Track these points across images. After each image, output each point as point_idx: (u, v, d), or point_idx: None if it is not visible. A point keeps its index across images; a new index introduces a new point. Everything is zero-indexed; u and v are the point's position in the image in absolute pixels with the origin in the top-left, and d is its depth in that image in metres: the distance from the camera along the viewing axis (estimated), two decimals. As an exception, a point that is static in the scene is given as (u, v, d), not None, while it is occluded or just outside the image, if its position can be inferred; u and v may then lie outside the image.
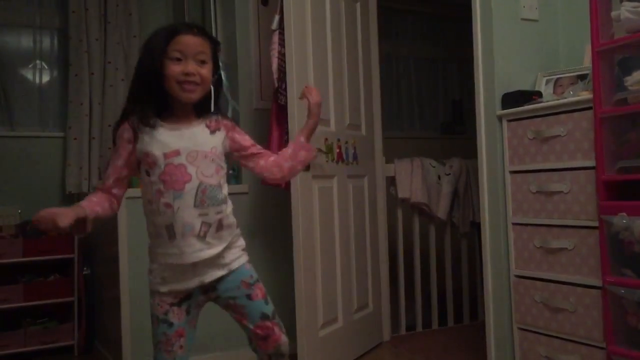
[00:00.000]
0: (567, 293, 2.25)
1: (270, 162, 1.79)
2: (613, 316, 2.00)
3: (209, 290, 1.68)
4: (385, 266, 3.40)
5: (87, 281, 3.45)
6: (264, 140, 2.98)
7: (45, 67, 3.84)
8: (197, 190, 1.59)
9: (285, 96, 2.67)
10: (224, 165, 1.70)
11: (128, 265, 2.83)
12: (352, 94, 3.10)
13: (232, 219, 1.69)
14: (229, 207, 1.69)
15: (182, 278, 1.64)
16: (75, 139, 3.67)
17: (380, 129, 3.44)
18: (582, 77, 2.45)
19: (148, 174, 1.62)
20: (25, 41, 3.78)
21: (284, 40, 2.68)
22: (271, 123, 2.92)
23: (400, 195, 3.48)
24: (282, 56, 2.77)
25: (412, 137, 4.90)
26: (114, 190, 1.67)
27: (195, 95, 1.61)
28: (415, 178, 3.49)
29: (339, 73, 2.97)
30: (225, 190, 1.68)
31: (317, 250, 2.71)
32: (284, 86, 2.73)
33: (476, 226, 3.56)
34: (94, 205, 1.61)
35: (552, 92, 2.53)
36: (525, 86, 2.57)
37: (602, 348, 2.10)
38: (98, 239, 3.32)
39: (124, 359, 2.81)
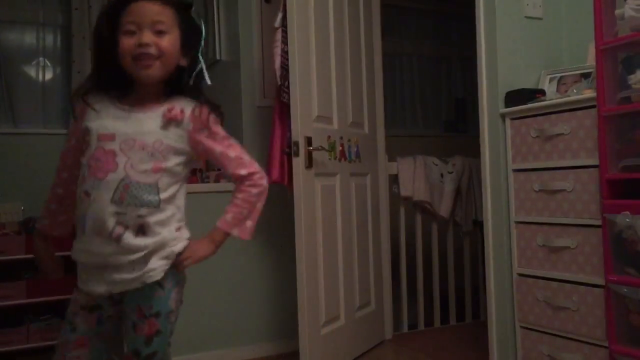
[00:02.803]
0: (570, 292, 2.25)
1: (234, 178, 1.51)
2: (616, 315, 2.00)
3: (117, 302, 1.44)
4: (388, 264, 3.40)
5: (89, 278, 3.45)
6: (267, 138, 2.98)
7: (48, 64, 3.84)
8: (118, 184, 1.35)
9: (288, 94, 2.67)
10: (172, 166, 1.42)
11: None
12: (355, 92, 3.10)
13: (166, 232, 1.40)
14: (163, 214, 1.40)
15: (91, 280, 1.41)
16: (78, 136, 3.67)
17: (383, 127, 3.44)
18: (585, 76, 2.45)
19: (83, 155, 1.42)
20: (28, 38, 3.79)
21: (287, 37, 2.68)
22: (274, 121, 2.92)
23: (403, 193, 3.47)
24: (285, 54, 2.77)
25: (415, 135, 4.89)
26: (71, 186, 1.50)
27: (153, 71, 1.38)
28: (418, 176, 3.49)
29: (341, 71, 2.97)
30: (167, 194, 1.40)
31: (320, 248, 2.71)
32: (286, 84, 2.72)
33: (479, 224, 3.56)
34: (55, 215, 1.55)
35: (555, 90, 2.52)
36: (529, 84, 2.56)
37: (604, 347, 2.10)
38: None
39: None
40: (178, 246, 1.43)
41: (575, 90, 2.37)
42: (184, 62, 1.46)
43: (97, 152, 1.38)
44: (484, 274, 2.68)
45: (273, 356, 3.08)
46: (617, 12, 2.00)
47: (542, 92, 2.48)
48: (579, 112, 2.21)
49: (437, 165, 3.57)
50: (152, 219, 1.38)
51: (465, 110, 5.08)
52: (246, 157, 1.50)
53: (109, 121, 1.40)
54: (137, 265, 1.38)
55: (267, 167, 2.82)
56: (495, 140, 2.55)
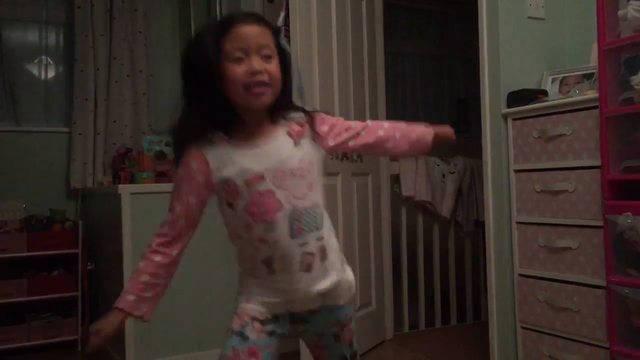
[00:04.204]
0: (571, 292, 2.25)
1: (387, 129, 1.47)
2: (617, 316, 2.00)
3: (298, 321, 1.42)
4: (389, 264, 3.40)
5: (91, 276, 3.46)
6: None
7: (51, 62, 3.85)
8: (289, 218, 1.31)
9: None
10: (319, 180, 1.39)
11: (132, 261, 2.83)
12: (357, 92, 3.10)
13: (333, 241, 1.42)
14: (326, 228, 1.40)
15: (277, 309, 1.38)
16: (80, 134, 3.67)
17: (385, 127, 3.43)
18: (588, 76, 2.45)
19: (231, 206, 1.32)
20: (31, 36, 3.80)
21: (289, 37, 2.68)
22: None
23: (404, 193, 3.47)
24: (287, 53, 2.77)
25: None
26: (174, 251, 1.35)
27: (266, 98, 1.30)
28: (420, 176, 3.48)
29: (344, 70, 2.97)
30: (322, 208, 1.39)
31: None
32: (289, 83, 2.72)
33: (480, 225, 3.55)
34: (142, 291, 1.32)
35: (557, 90, 2.52)
36: (531, 85, 2.56)
37: (605, 348, 2.10)
38: (102, 234, 3.33)
39: (127, 354, 2.81)
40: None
41: (577, 91, 2.37)
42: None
43: (253, 198, 1.30)
44: (485, 274, 2.68)
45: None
46: (619, 12, 2.00)
47: (544, 93, 2.48)
48: (581, 113, 2.21)
49: (438, 165, 3.57)
50: (325, 236, 1.39)
51: (467, 111, 5.08)
52: (357, 123, 1.49)
53: (246, 163, 1.30)
54: (327, 294, 1.38)
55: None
56: (497, 141, 2.55)
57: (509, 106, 2.50)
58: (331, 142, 1.42)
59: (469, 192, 3.65)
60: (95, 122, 3.71)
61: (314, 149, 1.39)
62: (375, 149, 1.50)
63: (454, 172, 3.59)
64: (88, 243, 3.45)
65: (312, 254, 1.34)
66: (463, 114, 5.11)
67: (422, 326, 3.56)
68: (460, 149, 3.91)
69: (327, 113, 1.48)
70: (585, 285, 2.20)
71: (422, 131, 1.51)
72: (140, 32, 3.87)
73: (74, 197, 3.73)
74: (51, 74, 3.85)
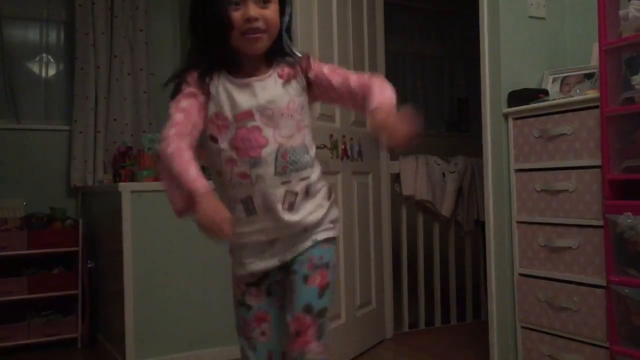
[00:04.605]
0: (571, 292, 2.25)
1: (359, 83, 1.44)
2: (617, 316, 2.00)
3: (285, 267, 1.43)
4: (389, 263, 3.40)
5: (91, 274, 3.46)
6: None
7: (52, 60, 3.85)
8: (276, 155, 1.34)
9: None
10: (307, 120, 1.43)
11: (132, 259, 2.84)
12: (358, 91, 3.09)
13: (320, 185, 1.44)
14: (315, 172, 1.42)
15: (258, 259, 1.40)
16: (80, 132, 3.67)
17: (386, 126, 3.43)
18: (589, 76, 2.44)
19: (215, 140, 1.36)
20: (31, 34, 3.79)
21: (290, 36, 2.68)
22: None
23: (405, 192, 3.47)
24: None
25: (417, 134, 4.88)
26: (187, 142, 1.30)
27: (261, 44, 1.34)
28: (420, 175, 3.48)
29: (345, 69, 2.96)
30: (313, 151, 1.43)
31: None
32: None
33: (480, 224, 3.55)
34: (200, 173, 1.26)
35: (558, 90, 2.52)
36: (532, 84, 2.56)
37: (605, 347, 2.10)
38: (102, 232, 3.33)
39: (127, 352, 2.81)
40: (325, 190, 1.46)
41: (578, 91, 2.37)
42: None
43: (240, 133, 1.34)
44: (485, 273, 2.68)
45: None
46: (621, 12, 2.00)
47: (545, 92, 2.48)
48: (582, 113, 2.21)
49: (439, 164, 3.57)
50: (313, 178, 1.41)
51: (467, 110, 5.08)
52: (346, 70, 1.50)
53: (237, 99, 1.35)
54: (310, 228, 1.40)
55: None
56: (497, 140, 2.55)
57: (509, 106, 2.50)
58: (317, 74, 1.43)
59: (469, 191, 3.65)
60: (95, 120, 3.71)
61: (302, 92, 1.42)
62: (343, 94, 1.46)
63: (454, 172, 3.59)
64: (88, 241, 3.45)
65: (295, 193, 1.37)
66: (464, 113, 5.11)
67: (422, 325, 3.56)
68: (461, 149, 3.92)
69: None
70: (586, 285, 2.20)
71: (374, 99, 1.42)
72: (141, 30, 3.86)
73: (75, 195, 3.73)
74: (52, 72, 3.85)
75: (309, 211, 1.40)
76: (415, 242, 3.59)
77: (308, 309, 1.38)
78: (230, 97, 1.35)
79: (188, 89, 1.37)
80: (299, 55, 1.44)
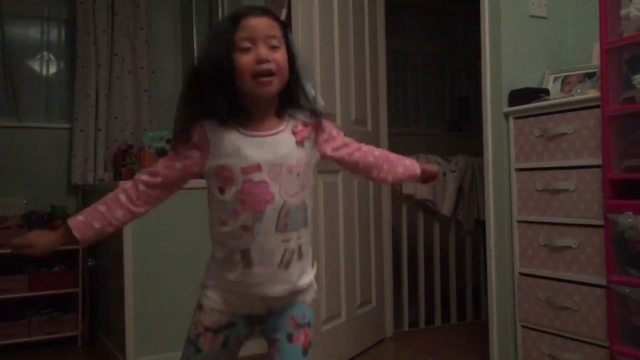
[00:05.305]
0: (571, 291, 2.25)
1: (377, 156, 1.52)
2: (617, 315, 2.00)
3: (255, 322, 1.43)
4: (389, 262, 3.40)
5: (91, 272, 3.46)
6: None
7: (52, 58, 3.85)
8: (279, 212, 1.33)
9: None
10: (311, 181, 1.42)
11: (132, 257, 2.84)
12: (359, 89, 3.10)
13: (309, 243, 1.43)
14: (309, 231, 1.41)
15: (248, 305, 1.40)
16: (81, 130, 3.68)
17: (386, 125, 3.44)
18: (590, 75, 2.44)
19: (221, 192, 1.34)
20: (32, 32, 3.79)
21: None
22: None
23: (405, 191, 3.47)
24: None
25: (418, 133, 4.89)
26: (140, 187, 1.38)
27: (272, 87, 1.33)
28: (421, 174, 3.48)
29: (345, 68, 2.96)
30: (310, 210, 1.41)
31: (322, 245, 2.71)
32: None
33: (481, 224, 3.56)
34: (93, 219, 1.36)
35: (559, 89, 2.52)
36: (533, 84, 2.56)
37: (605, 347, 2.10)
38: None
39: (127, 350, 2.82)
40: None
41: (579, 90, 2.37)
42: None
43: (246, 186, 1.32)
44: (486, 273, 2.68)
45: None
46: (622, 12, 2.00)
47: (546, 92, 2.48)
48: (583, 112, 2.21)
49: (439, 164, 3.57)
50: (306, 238, 1.40)
51: (468, 109, 5.08)
52: (355, 142, 1.54)
53: (246, 151, 1.32)
54: (298, 292, 1.40)
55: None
56: (498, 140, 2.55)
57: (510, 105, 2.50)
58: (328, 152, 1.46)
59: (470, 190, 3.65)
60: (96, 118, 3.71)
61: (313, 152, 1.42)
62: (360, 172, 1.53)
63: (454, 171, 3.59)
64: (89, 239, 3.45)
65: (292, 251, 1.36)
66: (464, 112, 5.11)
67: (422, 324, 3.57)
68: (462, 148, 3.92)
69: (327, 115, 1.50)
70: (586, 285, 2.20)
71: (409, 166, 1.56)
72: (142, 28, 3.87)
73: (75, 193, 3.74)
74: (52, 70, 3.85)
75: (301, 272, 1.40)
76: (416, 241, 3.59)
77: None
78: (237, 149, 1.33)
79: (191, 138, 1.35)
80: (317, 115, 1.44)
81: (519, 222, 2.47)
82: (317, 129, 1.42)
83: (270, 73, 1.31)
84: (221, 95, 1.33)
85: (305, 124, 1.40)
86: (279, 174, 1.33)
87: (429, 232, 3.63)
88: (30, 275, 3.29)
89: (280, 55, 1.33)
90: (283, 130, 1.37)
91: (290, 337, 1.39)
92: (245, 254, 1.34)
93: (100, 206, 1.38)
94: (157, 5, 4.01)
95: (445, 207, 3.56)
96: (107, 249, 3.26)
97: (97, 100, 3.71)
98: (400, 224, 3.53)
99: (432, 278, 3.63)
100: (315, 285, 1.46)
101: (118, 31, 3.80)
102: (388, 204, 3.41)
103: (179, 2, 4.11)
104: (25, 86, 3.73)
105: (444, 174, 3.57)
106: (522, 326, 2.47)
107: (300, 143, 1.38)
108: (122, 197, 1.39)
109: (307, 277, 1.42)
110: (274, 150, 1.34)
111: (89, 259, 3.45)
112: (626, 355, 1.95)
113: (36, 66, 3.80)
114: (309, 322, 1.43)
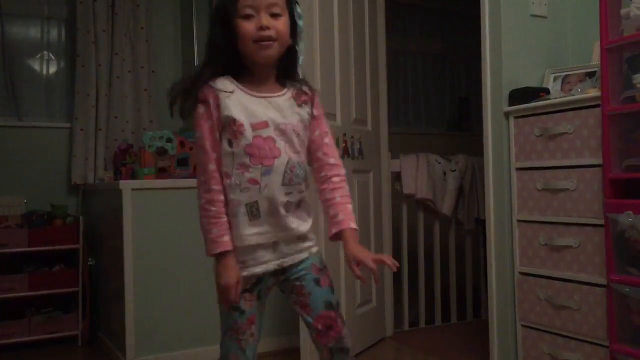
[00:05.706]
0: (572, 291, 2.25)
1: (324, 176, 1.58)
2: (617, 315, 2.00)
3: (279, 272, 1.54)
4: (389, 262, 3.39)
5: (91, 272, 3.46)
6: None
7: (53, 57, 3.85)
8: (285, 167, 1.46)
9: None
10: (307, 141, 1.54)
11: (132, 256, 2.84)
12: (359, 89, 3.10)
13: (308, 198, 1.55)
14: (307, 187, 1.55)
15: (262, 260, 1.50)
16: (81, 130, 3.68)
17: (387, 124, 3.44)
18: (590, 75, 2.44)
19: (230, 144, 1.45)
20: (32, 32, 3.79)
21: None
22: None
23: (405, 190, 3.47)
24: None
25: (418, 133, 4.89)
26: (215, 176, 1.46)
27: (272, 50, 1.44)
28: (421, 174, 3.48)
29: (345, 67, 2.96)
30: (308, 168, 1.54)
31: (322, 244, 2.71)
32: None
33: (481, 223, 3.56)
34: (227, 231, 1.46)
35: (559, 89, 2.52)
36: (533, 83, 2.56)
37: (605, 346, 2.10)
38: (103, 230, 3.33)
39: (127, 349, 2.82)
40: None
41: (579, 89, 2.37)
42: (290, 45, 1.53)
43: (256, 141, 1.44)
44: (486, 272, 2.68)
45: (273, 352, 3.08)
46: (622, 11, 2.00)
47: (546, 91, 2.48)
48: (583, 111, 2.21)
49: (440, 163, 3.57)
50: (306, 192, 1.53)
51: (468, 109, 5.08)
52: (334, 146, 1.62)
53: (254, 108, 1.45)
54: (302, 238, 1.54)
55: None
56: (498, 139, 2.55)
57: (510, 104, 2.50)
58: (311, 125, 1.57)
59: (470, 190, 3.65)
60: (96, 117, 3.71)
61: (308, 118, 1.54)
62: (311, 161, 1.59)
63: (455, 170, 3.59)
64: (89, 238, 3.46)
65: (292, 203, 1.49)
66: (464, 112, 5.11)
67: (422, 324, 3.57)
68: (462, 147, 3.92)
69: (327, 114, 1.58)
70: (586, 284, 2.20)
71: (336, 220, 1.56)
72: (142, 28, 3.87)
73: (75, 193, 3.74)
74: (53, 69, 3.85)
75: (301, 220, 1.53)
76: (416, 240, 3.59)
77: (329, 305, 1.54)
78: (245, 107, 1.44)
79: (203, 108, 1.45)
80: (313, 89, 1.57)
81: (519, 221, 2.47)
82: (312, 101, 1.55)
83: (270, 38, 1.43)
84: (226, 56, 1.46)
85: (305, 93, 1.54)
86: (284, 132, 1.46)
87: (429, 231, 3.63)
88: (31, 275, 3.29)
89: (281, 23, 1.45)
90: (284, 94, 1.50)
91: (317, 281, 1.55)
92: (252, 206, 1.45)
93: (221, 217, 1.46)
94: (157, 4, 4.01)
95: (446, 206, 3.56)
96: (107, 248, 3.26)
97: (97, 100, 3.71)
98: (400, 224, 3.54)
99: (432, 277, 3.63)
100: (314, 238, 1.59)
101: (118, 30, 3.80)
102: (388, 204, 3.41)
103: (179, 2, 4.11)
104: (25, 86, 3.73)
105: (444, 173, 3.57)
106: (522, 325, 2.47)
107: (299, 106, 1.51)
108: (221, 197, 1.47)
109: (306, 224, 1.55)
110: (278, 110, 1.47)
111: (89, 259, 3.45)
112: (626, 355, 1.96)
113: (36, 66, 3.80)
114: (325, 267, 1.58)
